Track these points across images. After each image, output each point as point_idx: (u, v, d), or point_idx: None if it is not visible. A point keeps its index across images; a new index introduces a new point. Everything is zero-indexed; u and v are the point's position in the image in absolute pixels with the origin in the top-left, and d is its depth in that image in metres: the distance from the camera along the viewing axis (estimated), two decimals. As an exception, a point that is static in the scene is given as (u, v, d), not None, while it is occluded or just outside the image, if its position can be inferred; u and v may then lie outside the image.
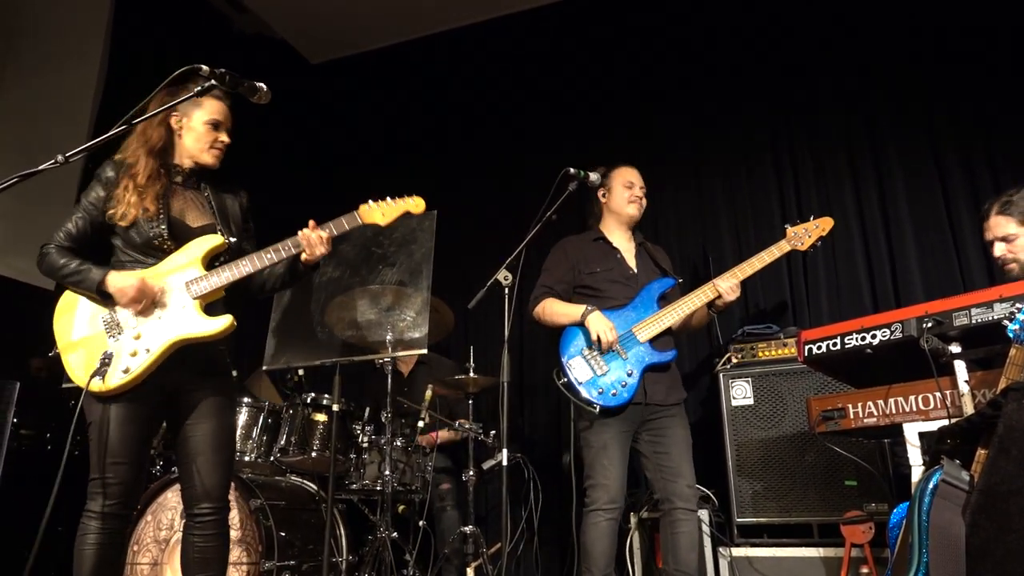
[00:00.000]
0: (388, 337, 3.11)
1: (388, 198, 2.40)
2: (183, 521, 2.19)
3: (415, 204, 2.42)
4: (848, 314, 3.75)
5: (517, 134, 4.91)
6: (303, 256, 2.30)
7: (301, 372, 3.27)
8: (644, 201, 3.12)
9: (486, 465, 3.51)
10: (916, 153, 3.89)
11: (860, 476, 3.14)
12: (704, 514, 3.29)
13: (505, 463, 2.67)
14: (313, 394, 3.26)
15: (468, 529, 3.22)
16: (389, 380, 3.20)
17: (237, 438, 3.10)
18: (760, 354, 3.53)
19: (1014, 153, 3.69)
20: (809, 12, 4.27)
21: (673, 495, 2.75)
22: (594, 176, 3.01)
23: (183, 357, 2.14)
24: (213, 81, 1.92)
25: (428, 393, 3.36)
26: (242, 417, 3.19)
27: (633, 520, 3.44)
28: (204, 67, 1.91)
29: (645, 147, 4.43)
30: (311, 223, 2.31)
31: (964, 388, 2.19)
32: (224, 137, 2.32)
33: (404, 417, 3.78)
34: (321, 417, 3.19)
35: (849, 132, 4.06)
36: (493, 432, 3.37)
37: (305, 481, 3.29)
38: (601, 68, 4.78)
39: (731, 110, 4.36)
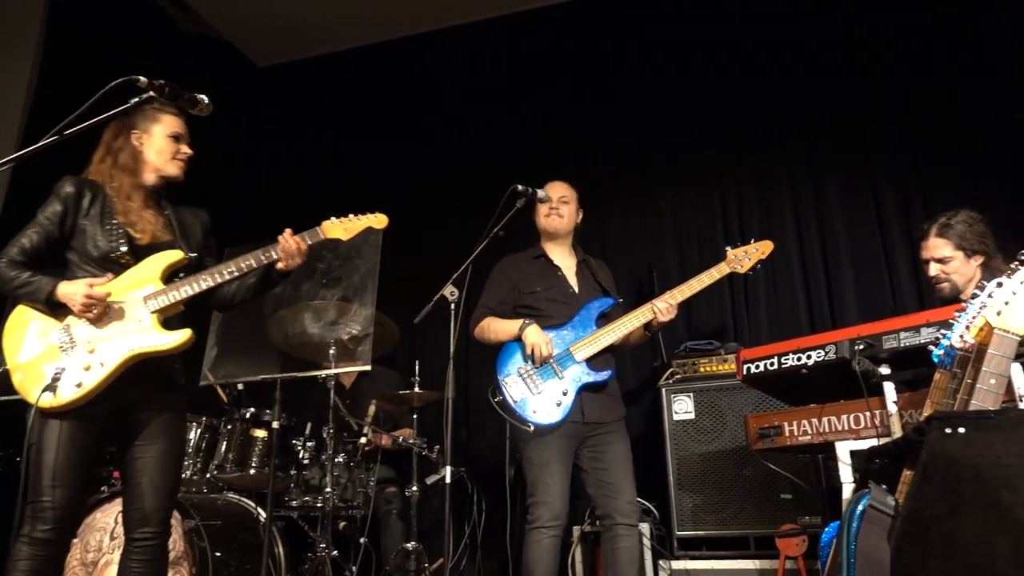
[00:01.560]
0: (331, 352, 3.06)
1: (351, 214, 2.42)
2: (112, 543, 2.12)
3: (378, 220, 2.44)
4: (786, 333, 3.85)
5: (467, 148, 4.90)
6: (279, 265, 2.30)
7: (240, 386, 3.19)
8: (563, 212, 3.07)
9: (430, 480, 3.49)
10: (853, 180, 4.04)
11: (795, 490, 3.23)
12: (645, 527, 3.33)
13: (448, 480, 2.65)
14: (253, 409, 3.19)
15: (411, 546, 3.20)
16: (332, 395, 3.15)
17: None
18: (702, 369, 3.60)
19: (944, 181, 3.86)
20: (756, 41, 4.40)
21: (614, 511, 2.78)
22: (542, 193, 3.02)
23: (138, 373, 2.10)
24: (151, 93, 1.86)
25: (372, 409, 3.33)
26: (178, 432, 3.09)
27: (576, 533, 3.47)
28: (142, 78, 1.85)
29: (595, 165, 4.50)
30: (288, 231, 2.31)
31: (892, 408, 2.27)
32: (186, 148, 2.34)
33: (347, 431, 3.73)
34: (260, 433, 3.12)
35: (790, 158, 4.20)
36: (437, 447, 3.35)
37: (243, 499, 3.21)
38: (554, 85, 4.82)
39: (680, 133, 4.45)
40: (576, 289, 3.03)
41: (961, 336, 1.78)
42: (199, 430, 3.13)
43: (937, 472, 1.45)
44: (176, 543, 2.72)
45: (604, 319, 2.98)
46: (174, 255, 2.22)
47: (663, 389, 3.56)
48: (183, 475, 3.05)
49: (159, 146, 2.27)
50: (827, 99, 4.19)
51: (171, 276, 2.22)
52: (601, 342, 2.87)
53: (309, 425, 3.33)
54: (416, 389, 3.40)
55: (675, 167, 4.41)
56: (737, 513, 3.32)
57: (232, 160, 5.12)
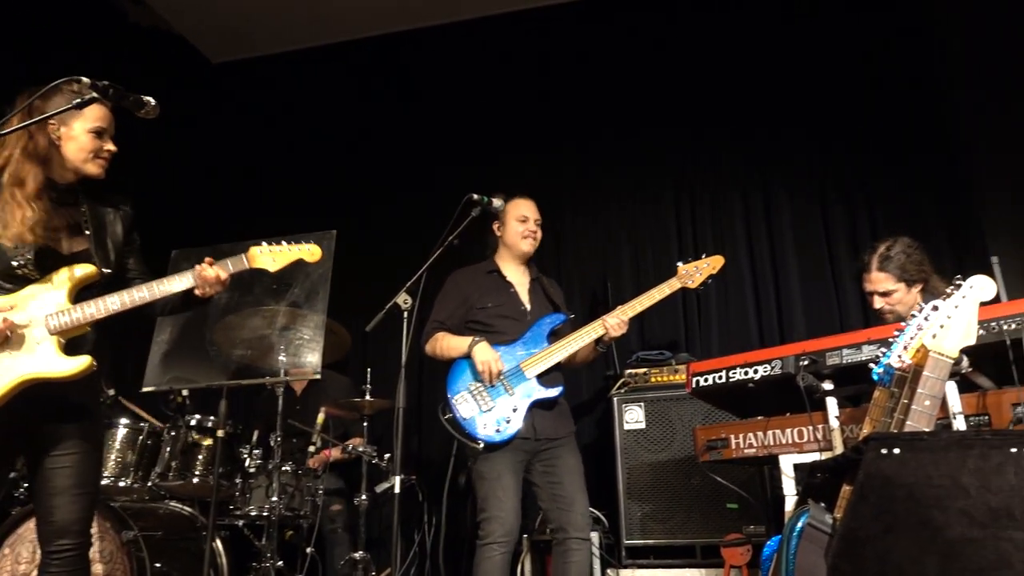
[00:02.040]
0: (281, 358, 3.01)
1: (284, 242, 2.27)
2: (44, 554, 2.03)
3: (310, 252, 2.29)
4: (736, 345, 3.93)
5: (423, 155, 4.86)
6: (196, 291, 2.17)
7: (185, 392, 3.11)
8: (539, 235, 3.10)
9: (379, 488, 3.45)
10: (802, 196, 4.14)
11: (741, 500, 3.28)
12: (595, 536, 3.35)
13: (398, 490, 2.63)
14: (198, 416, 3.11)
15: (358, 555, 3.16)
16: (280, 402, 3.10)
17: (112, 462, 2.93)
18: (653, 379, 3.64)
19: (888, 198, 3.98)
20: (710, 53, 4.48)
21: (567, 525, 2.78)
22: (497, 202, 3.01)
23: (37, 397, 1.94)
24: (94, 94, 1.80)
25: (321, 416, 3.28)
26: (118, 438, 3.01)
27: (525, 543, 3.47)
28: (85, 78, 1.79)
29: (552, 175, 4.51)
30: (207, 260, 2.17)
31: (834, 423, 2.33)
32: (110, 146, 2.13)
33: (296, 437, 3.68)
34: (206, 440, 3.05)
35: (743, 172, 4.28)
36: (388, 455, 3.32)
37: (185, 507, 3.14)
38: (511, 94, 4.82)
39: (635, 144, 4.49)
40: (528, 306, 3.03)
41: (899, 356, 1.83)
42: (141, 437, 3.04)
43: (872, 492, 1.48)
44: (113, 554, 2.65)
45: (555, 335, 2.98)
46: (84, 269, 2.04)
47: (615, 399, 3.59)
48: (122, 483, 2.96)
49: (80, 142, 2.06)
50: (778, 114, 4.29)
51: (82, 291, 2.04)
52: (552, 358, 2.88)
53: (256, 432, 3.26)
54: (367, 397, 3.36)
55: (630, 178, 4.45)
56: (684, 522, 3.36)
57: (182, 158, 5.00)
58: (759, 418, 2.61)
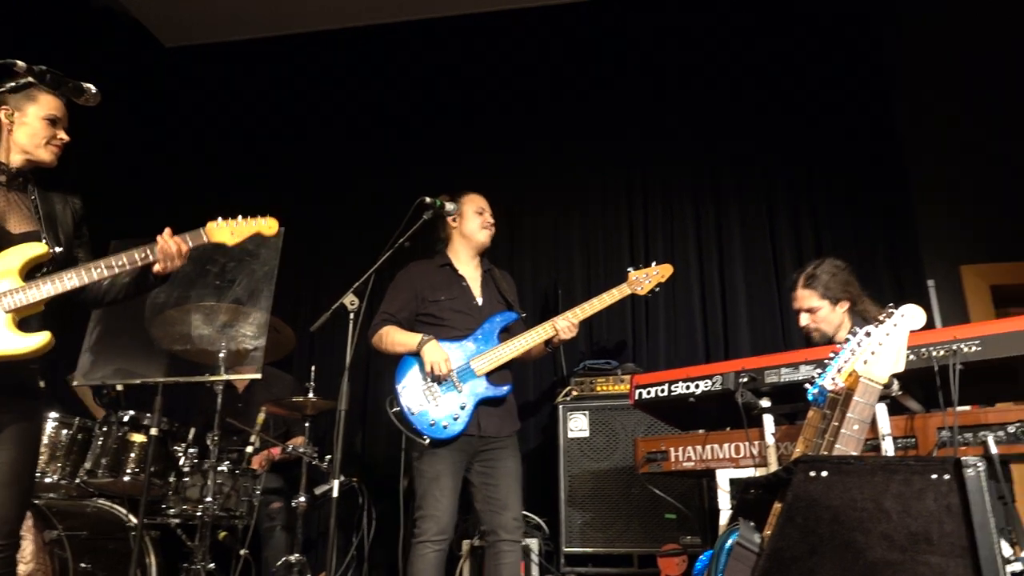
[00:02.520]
0: (221, 356, 2.94)
1: (240, 216, 2.26)
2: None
3: (268, 225, 2.29)
4: (682, 357, 4.00)
5: (376, 154, 4.80)
6: (156, 267, 2.13)
7: (120, 387, 3.02)
8: (494, 223, 3.14)
9: (319, 490, 3.41)
10: (753, 216, 4.22)
11: (678, 510, 3.33)
12: (534, 543, 3.37)
13: (336, 494, 2.59)
14: (132, 412, 3.02)
15: (294, 558, 3.11)
16: (219, 400, 3.02)
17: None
18: (598, 388, 3.67)
19: (836, 222, 4.10)
20: (669, 64, 4.54)
21: (499, 527, 2.79)
22: (451, 205, 3.01)
23: None
24: (30, 79, 1.73)
25: (260, 416, 3.22)
26: (46, 432, 2.90)
27: (465, 547, 3.46)
28: (19, 62, 1.72)
29: (508, 176, 4.51)
30: (167, 231, 2.14)
31: (770, 440, 2.37)
32: (63, 135, 2.13)
33: (236, 435, 3.60)
34: (139, 437, 2.96)
35: (697, 184, 4.34)
36: (329, 457, 3.27)
37: (115, 506, 3.04)
38: (468, 95, 4.81)
39: (592, 150, 4.52)
40: (480, 301, 3.03)
41: (833, 379, 1.88)
42: (70, 432, 2.93)
43: (799, 513, 1.52)
44: (34, 554, 2.55)
45: (506, 333, 2.99)
46: (36, 248, 2.02)
47: (560, 406, 3.61)
48: (48, 480, 2.86)
49: (32, 128, 2.05)
50: (731, 128, 4.36)
51: (32, 272, 2.02)
52: (502, 357, 2.88)
53: (193, 430, 3.18)
54: (311, 396, 3.31)
55: (586, 183, 4.47)
56: (623, 531, 3.40)
57: (130, 144, 4.86)
58: (699, 432, 2.65)
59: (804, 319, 2.91)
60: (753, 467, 2.42)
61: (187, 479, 3.08)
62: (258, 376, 2.97)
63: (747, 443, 2.45)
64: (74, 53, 4.30)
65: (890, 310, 1.81)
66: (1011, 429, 1.95)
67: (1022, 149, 4.21)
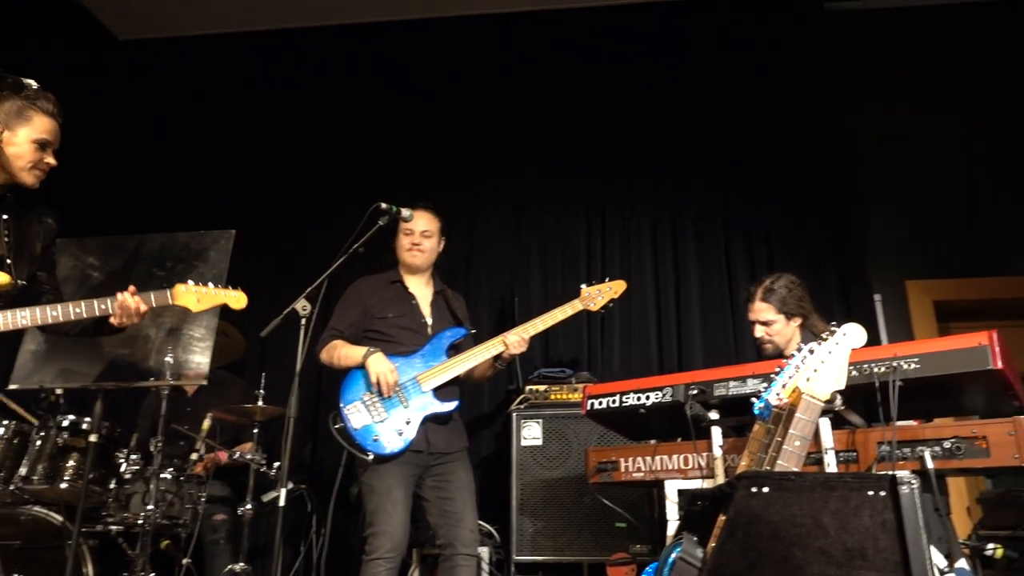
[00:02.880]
0: (167, 359, 2.87)
1: (210, 284, 2.28)
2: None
3: (236, 298, 2.32)
4: (637, 367, 4.04)
5: (335, 156, 4.73)
6: (112, 320, 2.12)
7: (59, 391, 2.92)
8: (425, 246, 3.04)
9: (266, 498, 3.35)
10: (708, 231, 4.28)
11: (629, 519, 3.35)
12: (484, 551, 3.36)
13: (283, 503, 2.55)
14: (72, 416, 2.92)
15: (239, 567, 3.04)
16: (164, 405, 2.95)
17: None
18: (552, 397, 3.68)
19: (787, 238, 4.19)
20: (627, 85, 4.60)
21: (456, 541, 2.78)
22: (406, 212, 2.98)
23: None
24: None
25: (206, 423, 3.14)
26: (-20, 437, 2.79)
27: (415, 556, 3.43)
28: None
29: (467, 188, 4.51)
30: (131, 288, 2.12)
31: (718, 452, 2.40)
32: (51, 159, 2.08)
33: (183, 440, 3.51)
34: (79, 443, 2.87)
35: (654, 198, 4.39)
36: (277, 464, 3.22)
37: (51, 513, 2.94)
38: (428, 100, 4.78)
39: (552, 166, 4.53)
40: (429, 319, 3.01)
41: (777, 394, 1.92)
42: (5, 436, 2.83)
43: (740, 528, 1.54)
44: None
45: (455, 349, 2.98)
46: None
47: (514, 414, 3.61)
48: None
49: (20, 150, 1.99)
50: (688, 145, 4.43)
51: None
52: (449, 372, 2.87)
53: (136, 436, 3.10)
54: (260, 403, 3.25)
55: (546, 195, 4.49)
56: (574, 540, 3.40)
57: (79, 139, 4.71)
58: (650, 442, 2.68)
59: (759, 331, 2.97)
60: (701, 479, 2.45)
61: (129, 486, 2.99)
62: (204, 383, 2.91)
63: (695, 455, 2.48)
64: (21, 43, 4.18)
65: (833, 328, 1.85)
66: (946, 444, 2.01)
67: (966, 169, 4.36)
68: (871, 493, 1.52)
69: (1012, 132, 4.37)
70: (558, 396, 3.67)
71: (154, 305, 2.17)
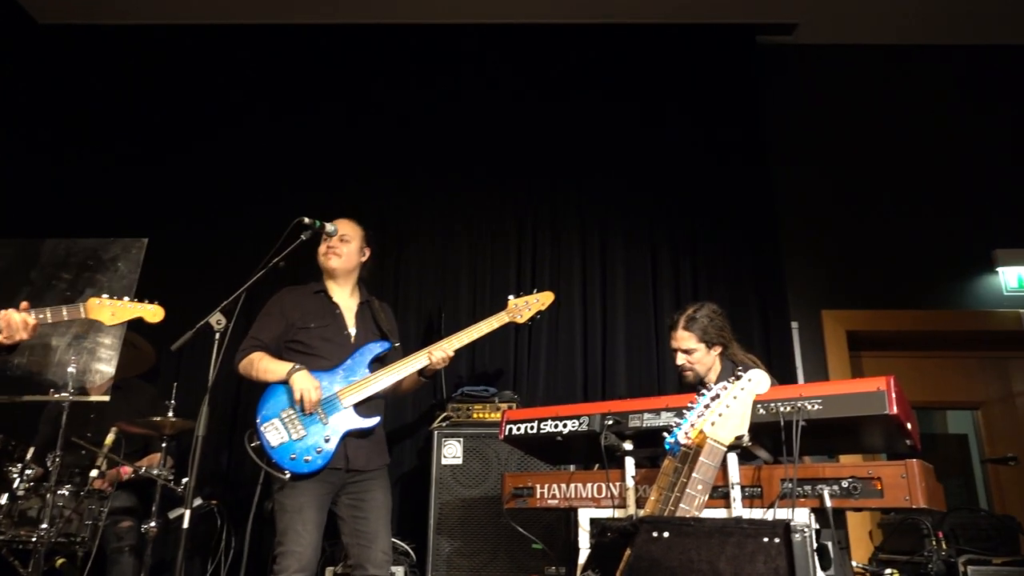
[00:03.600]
0: (70, 370, 2.74)
1: (126, 298, 2.22)
2: None
3: (153, 312, 2.22)
4: (562, 387, 4.07)
5: (260, 168, 4.57)
6: (1, 337, 2.01)
7: (-52, 402, 2.76)
8: (340, 252, 2.99)
9: (173, 514, 3.23)
10: (636, 256, 4.34)
11: (545, 540, 3.37)
12: (400, 570, 3.32)
13: (186, 524, 2.46)
14: (-41, 429, 2.77)
15: (139, 587, 2.93)
16: (64, 419, 2.81)
17: None
18: (474, 415, 3.67)
19: (712, 264, 4.29)
20: (559, 103, 4.64)
21: (367, 561, 2.74)
22: (330, 227, 2.93)
23: None
24: None
25: (109, 437, 3.01)
26: None
27: (329, 573, 3.37)
28: None
29: (397, 200, 4.46)
30: (24, 304, 2.02)
31: (630, 483, 2.44)
32: None
33: (86, 451, 3.35)
34: (-33, 457, 2.71)
35: (583, 215, 4.43)
36: (185, 480, 3.10)
37: (-67, 531, 2.77)
38: (359, 111, 4.70)
39: (483, 179, 4.52)
40: (353, 331, 2.96)
41: (686, 433, 1.95)
42: None
43: (641, 573, 1.56)
44: None
45: (379, 363, 2.94)
46: None
47: (435, 432, 3.58)
48: None
49: None
50: (619, 169, 4.50)
51: None
52: (371, 388, 2.83)
53: (35, 447, 2.94)
54: (171, 415, 3.14)
55: (475, 210, 4.47)
56: (490, 560, 3.40)
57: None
58: (570, 468, 2.70)
59: (680, 359, 3.04)
60: (612, 508, 2.48)
61: (23, 501, 2.84)
62: (106, 399, 2.79)
63: (609, 484, 2.50)
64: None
65: (739, 373, 1.90)
66: (844, 484, 2.08)
67: (878, 206, 4.57)
68: (766, 540, 1.56)
69: (920, 175, 4.60)
70: (480, 415, 3.66)
71: (65, 319, 2.10)
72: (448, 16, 4.75)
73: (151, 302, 2.27)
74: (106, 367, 2.79)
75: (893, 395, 2.03)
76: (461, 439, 3.55)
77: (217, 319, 2.58)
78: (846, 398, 2.10)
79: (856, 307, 4.39)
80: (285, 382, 2.72)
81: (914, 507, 2.00)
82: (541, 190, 4.49)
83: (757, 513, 2.15)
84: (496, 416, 3.61)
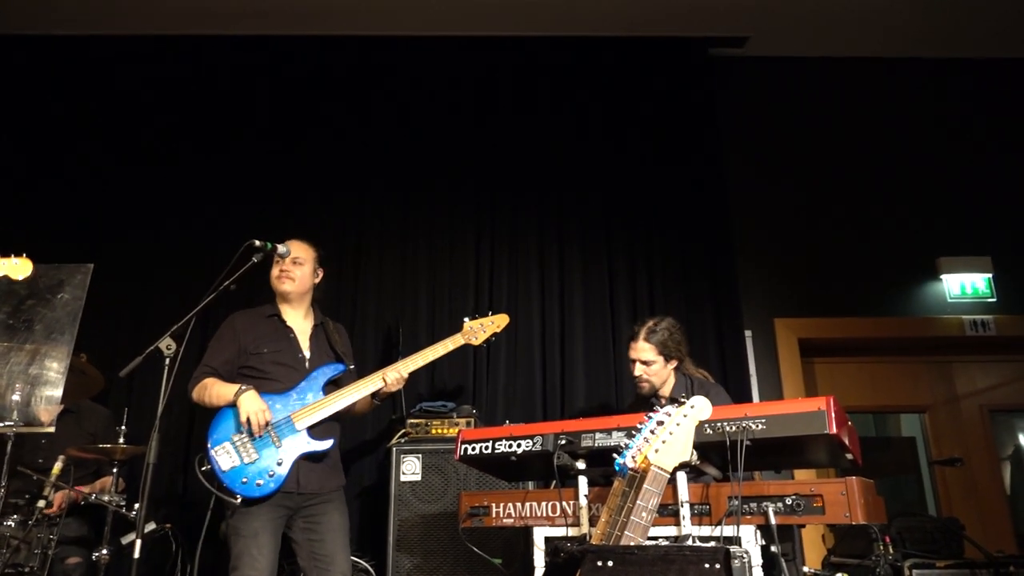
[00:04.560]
0: (14, 398, 2.68)
1: None
2: None
3: (20, 267, 2.12)
4: (521, 404, 4.09)
5: (212, 186, 4.49)
6: None
7: None
8: (294, 275, 2.96)
9: (125, 540, 3.18)
10: (594, 269, 4.38)
11: (505, 555, 3.39)
12: (360, 587, 3.32)
13: (137, 554, 2.43)
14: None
15: (90, 618, 2.88)
16: (9, 448, 2.75)
17: None
18: (433, 431, 3.67)
19: (669, 276, 4.36)
20: (518, 119, 4.66)
21: None
22: (282, 249, 2.90)
23: None
24: None
25: (57, 466, 2.95)
26: None
27: (287, 595, 3.35)
28: None
29: (355, 218, 4.45)
30: None
31: (583, 502, 2.47)
32: None
33: (37, 474, 3.28)
34: (-95, 489, 2.64)
35: (542, 232, 4.46)
36: (138, 505, 3.06)
37: None
38: (317, 127, 4.67)
39: (441, 192, 4.53)
40: (307, 354, 2.95)
41: (633, 457, 1.99)
42: None
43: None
44: None
45: (333, 385, 2.93)
46: None
47: (394, 449, 3.58)
48: None
49: None
50: (576, 183, 4.54)
51: None
52: (324, 410, 2.82)
53: (-22, 477, 2.87)
54: (121, 440, 3.09)
55: (435, 226, 4.47)
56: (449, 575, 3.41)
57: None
58: (529, 486, 2.72)
59: (638, 369, 3.11)
60: (566, 526, 2.51)
61: (-33, 533, 2.77)
62: (52, 430, 2.73)
63: (562, 503, 2.53)
64: None
65: (682, 398, 1.94)
66: (788, 501, 2.14)
67: (828, 216, 4.68)
68: (707, 566, 1.60)
69: (868, 185, 4.72)
70: (438, 431, 3.66)
71: None
72: (406, 29, 4.74)
73: (16, 256, 2.12)
74: (52, 391, 2.72)
75: (833, 414, 2.09)
76: (420, 455, 3.55)
77: (167, 344, 2.55)
78: (788, 418, 2.16)
79: (807, 315, 4.49)
80: (234, 404, 2.70)
81: (854, 523, 2.07)
82: (500, 204, 4.51)
83: (706, 530, 2.20)
84: (454, 432, 3.62)
